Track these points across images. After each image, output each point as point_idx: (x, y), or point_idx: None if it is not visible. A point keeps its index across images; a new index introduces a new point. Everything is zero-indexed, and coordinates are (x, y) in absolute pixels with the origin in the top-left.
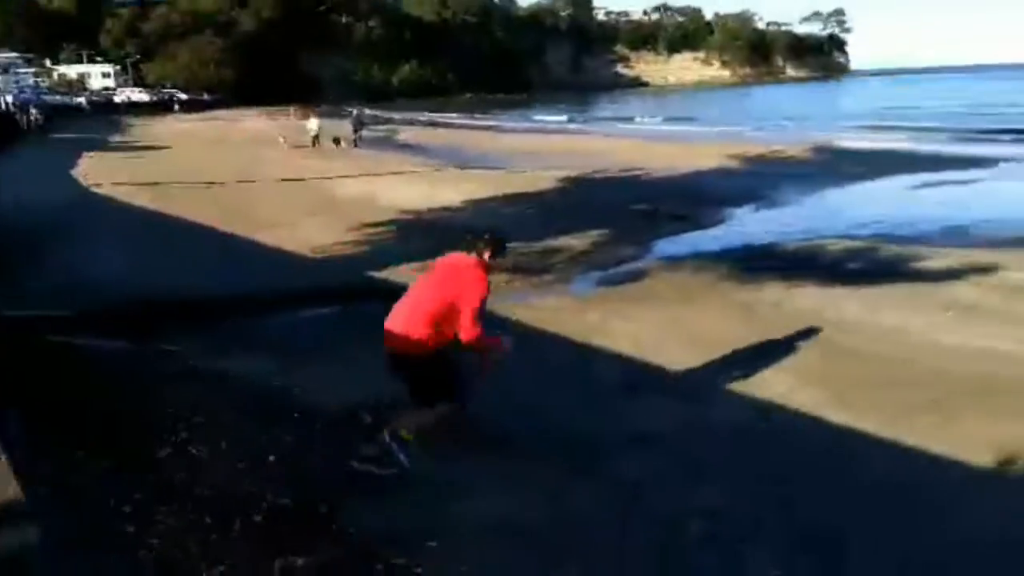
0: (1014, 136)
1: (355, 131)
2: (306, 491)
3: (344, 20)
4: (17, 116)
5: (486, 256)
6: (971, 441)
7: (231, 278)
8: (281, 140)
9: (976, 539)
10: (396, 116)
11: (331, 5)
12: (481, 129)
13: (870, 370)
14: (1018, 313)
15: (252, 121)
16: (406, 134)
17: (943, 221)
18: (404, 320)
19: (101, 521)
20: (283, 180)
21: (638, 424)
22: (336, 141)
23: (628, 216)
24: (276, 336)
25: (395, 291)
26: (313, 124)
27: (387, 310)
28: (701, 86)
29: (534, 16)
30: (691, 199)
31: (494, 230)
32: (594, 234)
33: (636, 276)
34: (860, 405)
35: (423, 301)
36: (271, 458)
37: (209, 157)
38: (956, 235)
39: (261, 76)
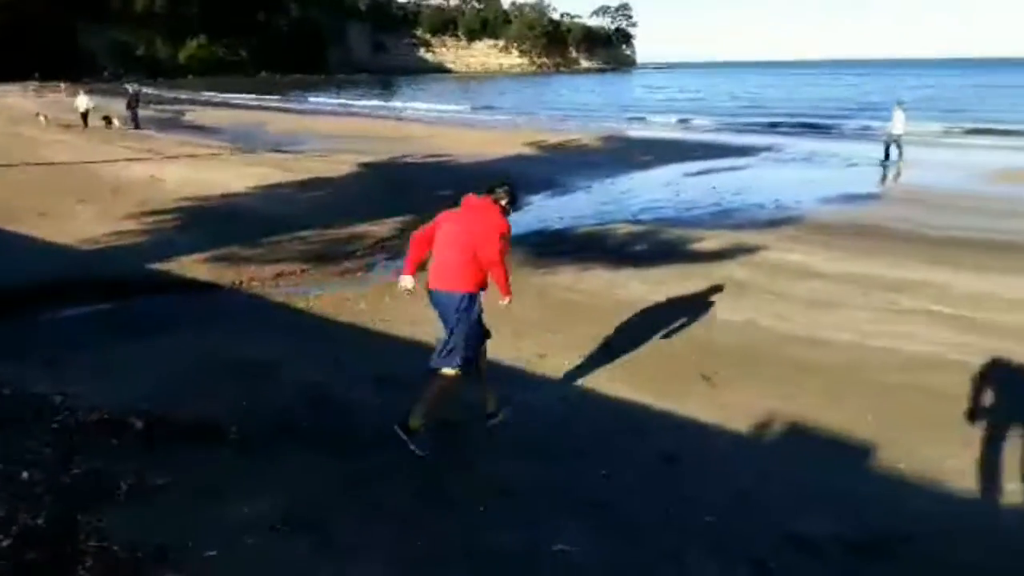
0: (777, 128)
1: (130, 109)
2: (64, 509)
3: None
4: None
5: (503, 203)
6: (734, 409)
7: None
8: (41, 119)
9: (730, 500)
10: (184, 95)
11: None
12: (278, 110)
13: (653, 346)
14: (777, 289)
15: (13, 98)
16: (196, 114)
17: (716, 205)
18: (448, 266)
19: None
20: (51, 164)
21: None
22: (107, 120)
23: (430, 202)
24: (37, 338)
25: (177, 285)
26: (82, 101)
27: (167, 304)
28: (502, 73)
29: None
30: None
31: (511, 182)
32: (397, 220)
33: None
34: (643, 380)
35: (461, 248)
36: (24, 475)
37: None
38: (726, 218)
39: (25, 48)
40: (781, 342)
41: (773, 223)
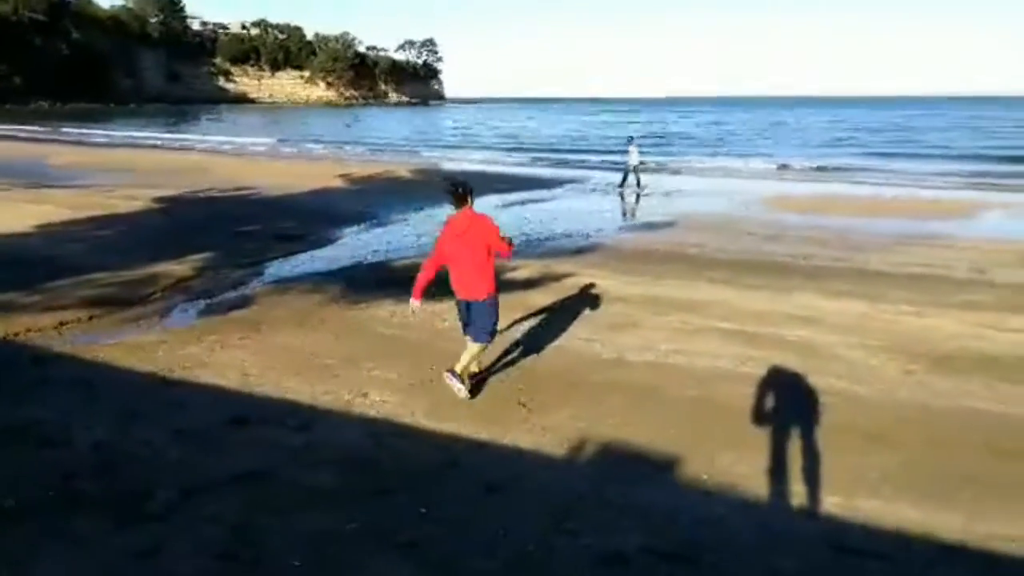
0: (578, 161)
1: None
2: None
3: None
4: None
5: (472, 204)
6: (550, 433)
7: None
8: None
9: (549, 525)
10: None
11: None
12: (60, 142)
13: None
14: (583, 314)
15: None
16: None
17: (525, 236)
18: (470, 279)
19: None
20: None
21: (243, 460)
22: None
23: (235, 238)
24: None
25: None
26: None
27: None
28: (308, 105)
29: (116, 19)
30: (303, 219)
31: (459, 183)
32: (196, 258)
33: (244, 302)
34: (463, 411)
35: (476, 262)
36: None
37: None
38: (536, 247)
39: None
40: (589, 364)
41: (578, 251)
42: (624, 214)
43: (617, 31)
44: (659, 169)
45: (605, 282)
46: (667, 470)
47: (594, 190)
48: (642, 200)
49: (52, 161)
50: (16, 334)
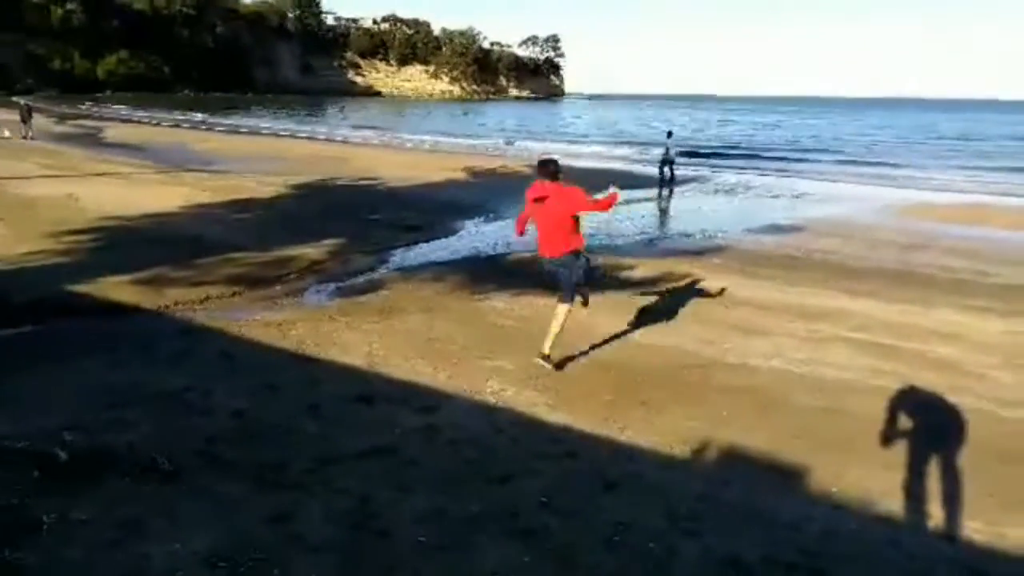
0: (706, 158)
1: (24, 122)
2: None
3: (35, 1)
4: None
5: (556, 176)
6: (668, 434)
7: None
8: None
9: (669, 525)
10: (102, 110)
11: None
12: (202, 129)
13: (588, 372)
14: (707, 315)
15: None
16: (115, 131)
17: (643, 234)
18: (552, 240)
19: None
20: None
21: (370, 437)
22: None
23: (364, 225)
24: None
25: (98, 308)
26: None
27: (87, 328)
28: (433, 99)
29: (258, 13)
30: (426, 210)
31: (548, 160)
32: (329, 243)
33: (372, 287)
34: (579, 406)
35: (557, 224)
36: None
37: None
38: (655, 246)
39: None
40: (712, 367)
41: (700, 252)
42: (745, 215)
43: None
44: (786, 173)
45: (729, 284)
46: (792, 480)
47: (717, 190)
48: (792, 204)
49: (195, 146)
50: (167, 306)
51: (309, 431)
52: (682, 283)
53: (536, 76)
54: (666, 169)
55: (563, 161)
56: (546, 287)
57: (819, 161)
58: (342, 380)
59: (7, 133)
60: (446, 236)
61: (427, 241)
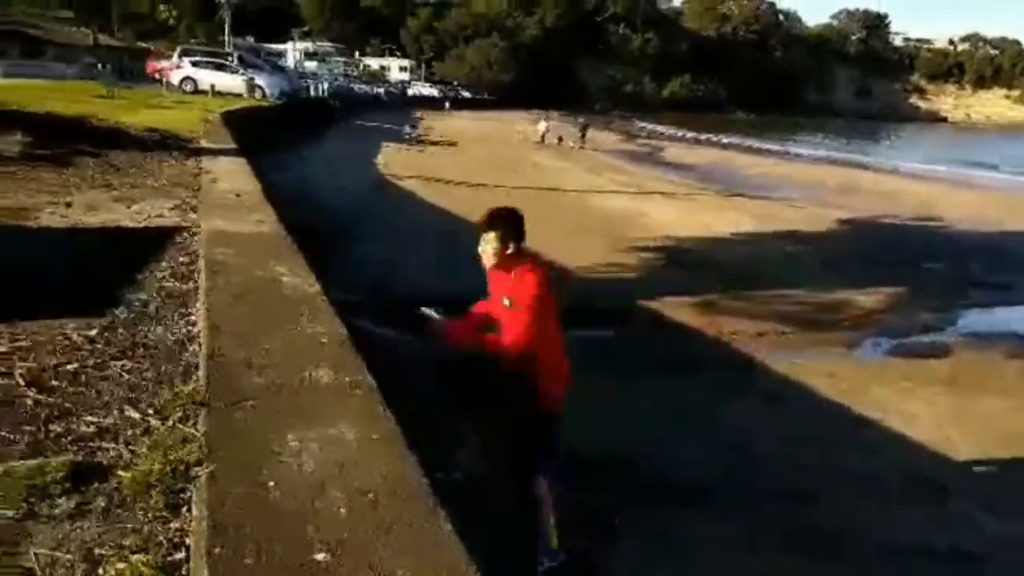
0: None
1: (581, 135)
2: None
3: (621, 31)
4: (331, 103)
5: None
6: None
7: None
8: (543, 138)
9: None
10: (662, 130)
11: (610, 16)
12: (751, 152)
13: None
14: None
15: (521, 124)
16: (672, 151)
17: None
18: None
19: None
20: (541, 189)
21: (943, 536)
22: (559, 140)
23: (921, 274)
24: None
25: (667, 326)
26: (541, 126)
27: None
28: (1012, 128)
29: (820, 37)
30: (1006, 264)
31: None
32: (881, 291)
33: (937, 351)
34: None
35: None
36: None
37: (483, 157)
38: None
39: (536, 80)
40: None
41: None
42: None
43: None
44: None
45: None
46: None
47: None
48: None
49: (744, 171)
50: (722, 335)
51: (867, 506)
52: None
53: None
54: None
55: None
56: None
57: None
58: (906, 456)
59: (571, 143)
60: None
61: (1008, 305)
